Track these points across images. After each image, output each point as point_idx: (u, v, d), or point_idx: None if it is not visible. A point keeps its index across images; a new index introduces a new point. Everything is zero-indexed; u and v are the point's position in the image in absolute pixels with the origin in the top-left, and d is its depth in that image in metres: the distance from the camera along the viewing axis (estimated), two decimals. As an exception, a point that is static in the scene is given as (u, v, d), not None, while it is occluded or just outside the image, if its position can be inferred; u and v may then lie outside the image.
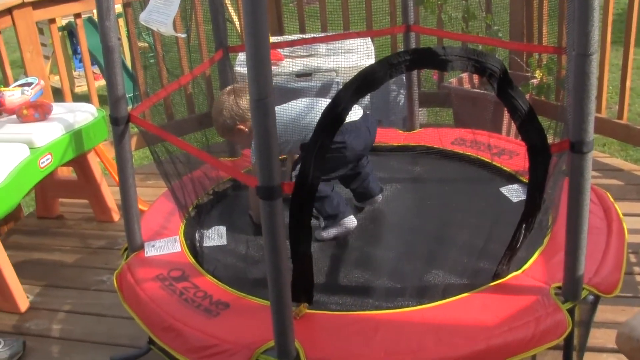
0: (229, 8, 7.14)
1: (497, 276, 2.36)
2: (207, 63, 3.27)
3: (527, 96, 4.10)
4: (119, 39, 2.91)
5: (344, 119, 1.93)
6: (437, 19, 4.38)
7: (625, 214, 2.72)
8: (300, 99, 2.99)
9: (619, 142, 4.50)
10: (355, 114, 2.79)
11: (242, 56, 4.16)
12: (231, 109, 2.90)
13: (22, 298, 3.15)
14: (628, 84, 3.97)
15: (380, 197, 3.00)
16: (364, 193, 2.98)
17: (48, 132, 3.33)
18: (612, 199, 2.79)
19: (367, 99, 3.98)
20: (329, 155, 1.99)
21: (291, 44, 4.02)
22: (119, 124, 2.46)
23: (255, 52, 1.72)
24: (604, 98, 4.12)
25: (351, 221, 2.78)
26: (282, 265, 1.94)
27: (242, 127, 2.92)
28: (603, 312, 2.58)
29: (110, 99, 2.44)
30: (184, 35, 3.92)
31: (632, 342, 1.95)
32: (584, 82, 1.93)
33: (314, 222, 2.49)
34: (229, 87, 3.05)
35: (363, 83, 1.91)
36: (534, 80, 4.14)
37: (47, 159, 3.28)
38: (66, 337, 2.97)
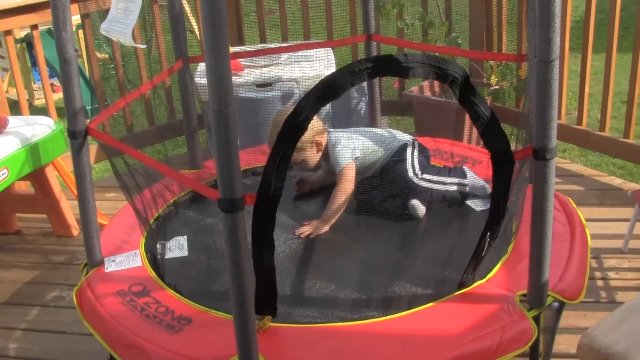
0: (190, 18, 7.09)
1: (462, 285, 2.35)
2: (166, 72, 3.22)
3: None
4: (77, 50, 2.85)
5: (306, 128, 1.90)
6: (398, 28, 4.38)
7: (586, 219, 2.73)
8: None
9: (579, 147, 4.55)
10: None
11: (202, 67, 4.10)
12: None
13: (-21, 317, 3.07)
14: (587, 90, 4.01)
15: None
16: None
17: (4, 146, 3.26)
18: (574, 205, 2.80)
19: (328, 108, 3.95)
20: None
21: (252, 54, 3.99)
22: (77, 137, 2.40)
23: (215, 63, 1.70)
24: (563, 104, 4.17)
25: None
26: (245, 278, 1.90)
27: (319, 139, 2.71)
28: (565, 318, 2.58)
29: (67, 112, 2.39)
30: (143, 46, 3.87)
31: (594, 353, 1.93)
32: (547, 88, 1.94)
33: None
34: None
35: (324, 91, 1.90)
36: (495, 87, 4.16)
37: (3, 174, 3.20)
38: (24, 356, 2.90)
